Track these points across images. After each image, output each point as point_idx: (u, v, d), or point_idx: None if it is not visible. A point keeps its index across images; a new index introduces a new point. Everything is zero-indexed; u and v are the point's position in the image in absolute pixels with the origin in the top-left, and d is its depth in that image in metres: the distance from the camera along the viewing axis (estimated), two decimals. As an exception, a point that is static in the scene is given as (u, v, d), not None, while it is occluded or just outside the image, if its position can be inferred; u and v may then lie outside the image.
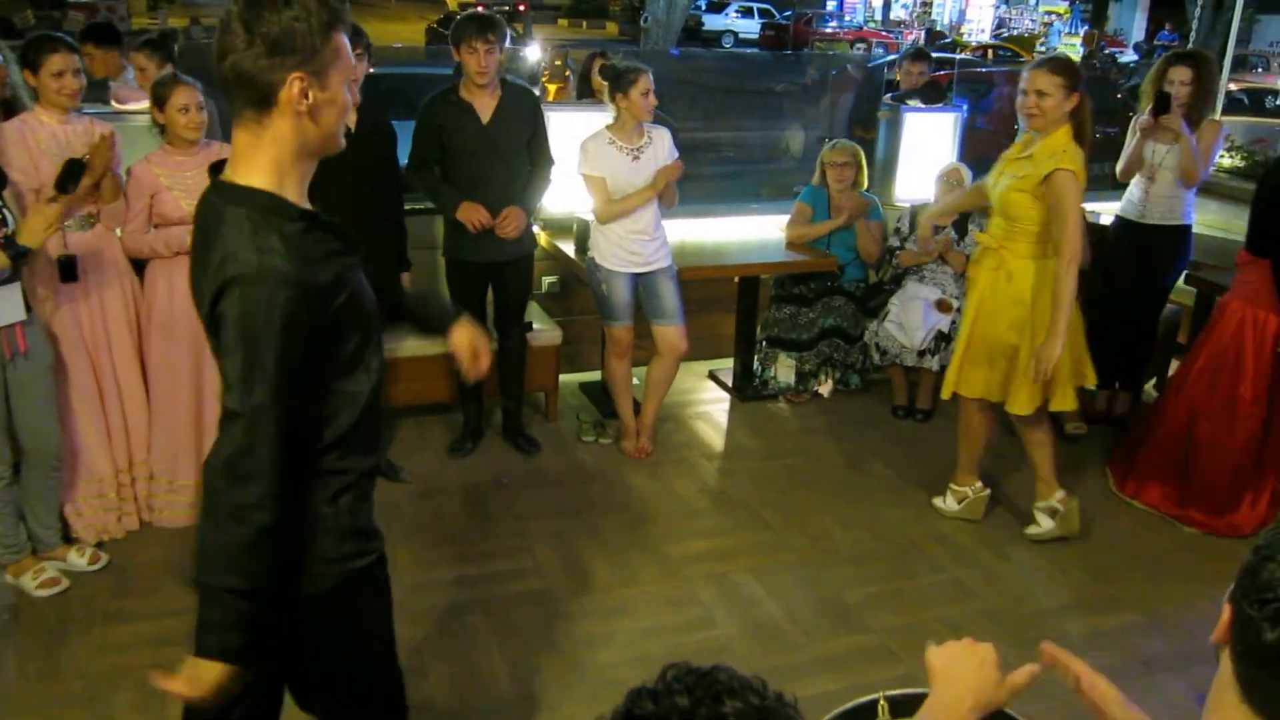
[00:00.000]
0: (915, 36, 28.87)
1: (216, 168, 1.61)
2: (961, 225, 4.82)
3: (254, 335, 1.49)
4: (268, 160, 1.56)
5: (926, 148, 5.32)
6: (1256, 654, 0.94)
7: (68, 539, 3.43)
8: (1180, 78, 4.31)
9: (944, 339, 4.60)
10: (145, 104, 3.47)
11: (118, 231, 3.45)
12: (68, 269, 3.26)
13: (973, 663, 1.30)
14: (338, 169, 3.48)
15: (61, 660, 2.95)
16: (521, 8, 31.85)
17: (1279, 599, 0.92)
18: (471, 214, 3.87)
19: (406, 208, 4.05)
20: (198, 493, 3.60)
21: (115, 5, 23.99)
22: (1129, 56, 23.12)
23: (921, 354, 4.64)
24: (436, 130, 3.88)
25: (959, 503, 3.94)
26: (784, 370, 4.98)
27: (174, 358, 3.52)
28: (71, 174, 3.00)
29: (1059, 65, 3.49)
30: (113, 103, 4.47)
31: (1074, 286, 3.39)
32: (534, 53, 6.11)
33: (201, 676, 1.57)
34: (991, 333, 3.60)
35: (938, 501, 3.99)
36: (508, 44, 3.89)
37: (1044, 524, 3.78)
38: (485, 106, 3.88)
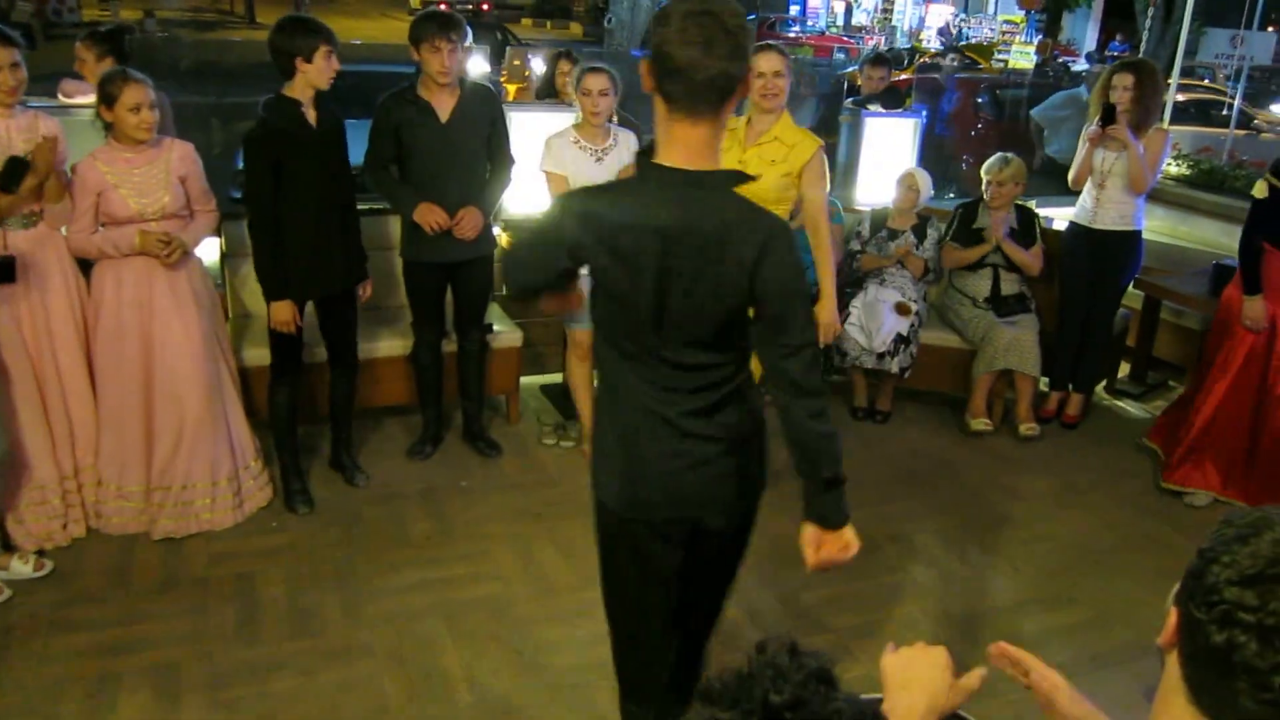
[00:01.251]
0: (876, 42, 29.14)
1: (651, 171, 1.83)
2: (921, 229, 4.88)
3: (799, 277, 1.86)
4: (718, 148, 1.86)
5: (886, 152, 5.37)
6: (1205, 656, 0.95)
7: (9, 547, 3.34)
8: (1123, 84, 4.40)
9: (904, 341, 4.65)
10: (93, 98, 3.38)
11: (63, 230, 3.37)
12: (6, 270, 3.17)
13: (926, 667, 1.31)
14: (305, 168, 3.48)
15: (3, 672, 2.88)
16: (485, 7, 31.76)
17: (1225, 601, 0.93)
18: (429, 215, 3.83)
19: (360, 208, 3.97)
20: (145, 499, 3.54)
21: (65, -2, 23.58)
22: (1081, 65, 23.50)
23: (882, 356, 4.67)
24: (394, 129, 3.84)
25: None
26: (744, 372, 4.98)
27: (123, 361, 3.44)
28: (13, 173, 2.94)
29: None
30: (60, 96, 4.37)
31: None
32: (538, 63, 5.91)
33: (849, 540, 2.20)
34: None
35: None
36: (468, 44, 3.85)
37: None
38: (444, 106, 3.85)
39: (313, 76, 3.41)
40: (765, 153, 3.50)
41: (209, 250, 4.08)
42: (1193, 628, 0.96)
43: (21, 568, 3.29)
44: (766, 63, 3.47)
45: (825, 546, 2.14)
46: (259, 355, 4.07)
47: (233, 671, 2.91)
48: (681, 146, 1.80)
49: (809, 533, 2.12)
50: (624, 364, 1.95)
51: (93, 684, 2.83)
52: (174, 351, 3.47)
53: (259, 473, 3.79)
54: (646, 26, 12.18)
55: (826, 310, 3.60)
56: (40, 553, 3.38)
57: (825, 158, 3.54)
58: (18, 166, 2.95)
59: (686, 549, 2.15)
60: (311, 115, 3.49)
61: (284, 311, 3.54)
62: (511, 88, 4.97)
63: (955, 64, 18.82)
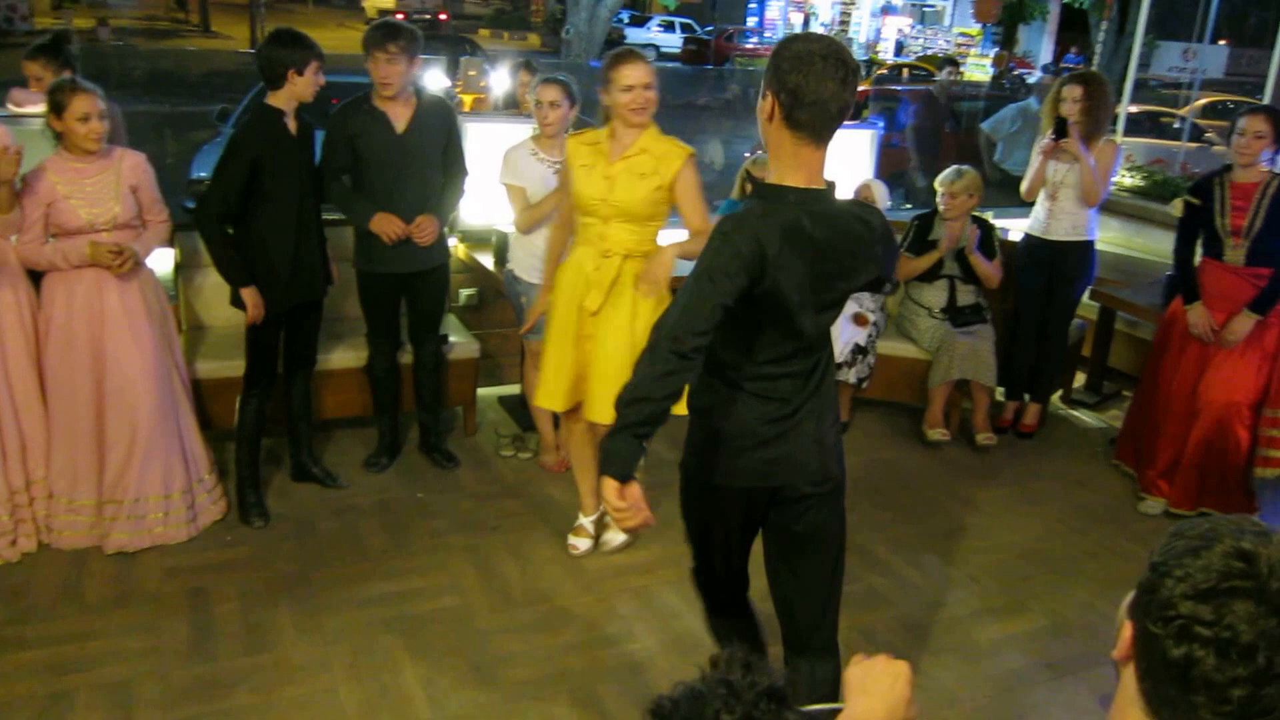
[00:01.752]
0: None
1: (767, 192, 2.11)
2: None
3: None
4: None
5: (843, 164, 5.41)
6: (1162, 670, 0.96)
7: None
8: (1072, 96, 4.48)
9: (861, 352, 4.68)
10: (43, 107, 3.33)
11: (12, 239, 3.31)
12: None
13: (887, 679, 1.33)
14: (284, 175, 3.50)
15: (-51, 690, 2.81)
16: (443, 17, 31.66)
17: (1181, 615, 0.94)
18: (386, 225, 3.81)
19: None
20: (97, 512, 3.48)
21: (16, 4, 23.20)
22: (1037, 76, 23.89)
23: (839, 367, 4.71)
24: (348, 139, 3.82)
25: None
26: (704, 383, 4.99)
27: (74, 372, 3.38)
28: None
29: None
30: (9, 105, 4.29)
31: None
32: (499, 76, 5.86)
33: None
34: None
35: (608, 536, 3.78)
36: (419, 55, 3.84)
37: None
38: (399, 116, 3.83)
39: (300, 89, 3.51)
40: (634, 166, 3.27)
41: (162, 261, 4.03)
42: (1149, 642, 0.97)
43: None
44: (636, 75, 3.25)
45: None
46: (213, 367, 4.03)
47: (187, 689, 2.86)
48: (806, 169, 2.08)
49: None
50: (773, 366, 2.17)
51: (44, 703, 2.77)
52: (126, 363, 3.42)
53: (213, 486, 3.74)
54: (604, 37, 12.22)
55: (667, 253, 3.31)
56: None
57: (695, 167, 3.34)
58: None
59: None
60: (292, 125, 3.58)
61: (254, 295, 3.56)
62: (468, 98, 4.95)
63: (908, 76, 19.09)
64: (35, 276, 3.41)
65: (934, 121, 10.10)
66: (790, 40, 2.06)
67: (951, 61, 12.71)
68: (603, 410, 3.26)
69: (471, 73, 4.87)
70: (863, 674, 1.34)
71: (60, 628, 3.10)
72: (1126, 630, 1.03)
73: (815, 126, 2.02)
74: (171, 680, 2.90)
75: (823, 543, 2.34)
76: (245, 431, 3.75)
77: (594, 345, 3.41)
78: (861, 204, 2.34)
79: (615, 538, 3.75)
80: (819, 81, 1.97)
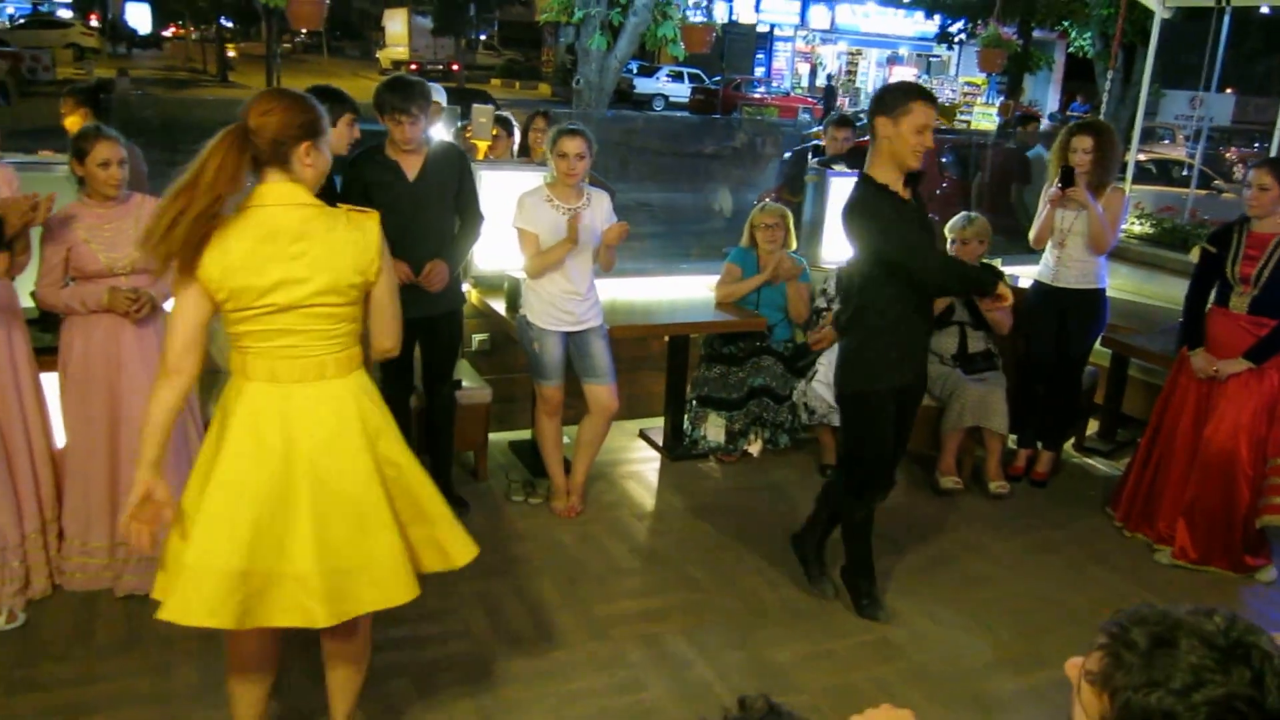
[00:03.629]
0: (841, 103, 29.73)
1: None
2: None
3: None
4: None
5: (852, 211, 5.44)
6: None
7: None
8: (1082, 146, 4.51)
9: (871, 398, 4.68)
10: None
11: (12, 281, 3.34)
12: None
13: None
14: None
15: (-42, 735, 2.81)
16: (455, 68, 32.15)
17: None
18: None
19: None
20: (110, 555, 3.48)
21: (40, 55, 23.67)
22: (1044, 126, 24.08)
23: (849, 413, 4.70)
24: (363, 188, 3.87)
25: None
26: (714, 429, 5.00)
27: (89, 416, 3.40)
28: None
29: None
30: None
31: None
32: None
33: None
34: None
35: None
36: (435, 104, 3.92)
37: None
38: (411, 164, 3.89)
39: (333, 141, 3.50)
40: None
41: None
42: None
43: None
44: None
45: None
46: (226, 411, 4.04)
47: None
48: (898, 171, 3.36)
49: None
50: (905, 303, 3.39)
51: (48, 749, 2.75)
52: (140, 408, 3.42)
53: (224, 530, 3.73)
54: (613, 87, 12.37)
55: None
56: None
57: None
58: None
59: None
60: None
61: None
62: (482, 145, 5.00)
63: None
64: (53, 320, 3.44)
65: (1003, 177, 10.19)
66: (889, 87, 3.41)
67: (1032, 118, 12.86)
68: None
69: (482, 120, 4.92)
70: None
71: (71, 670, 3.09)
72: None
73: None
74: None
75: None
76: None
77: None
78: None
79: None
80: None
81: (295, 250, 2.25)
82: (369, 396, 2.45)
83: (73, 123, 4.55)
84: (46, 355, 3.45)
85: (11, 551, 3.34)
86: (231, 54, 31.71)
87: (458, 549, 2.61)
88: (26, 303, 3.47)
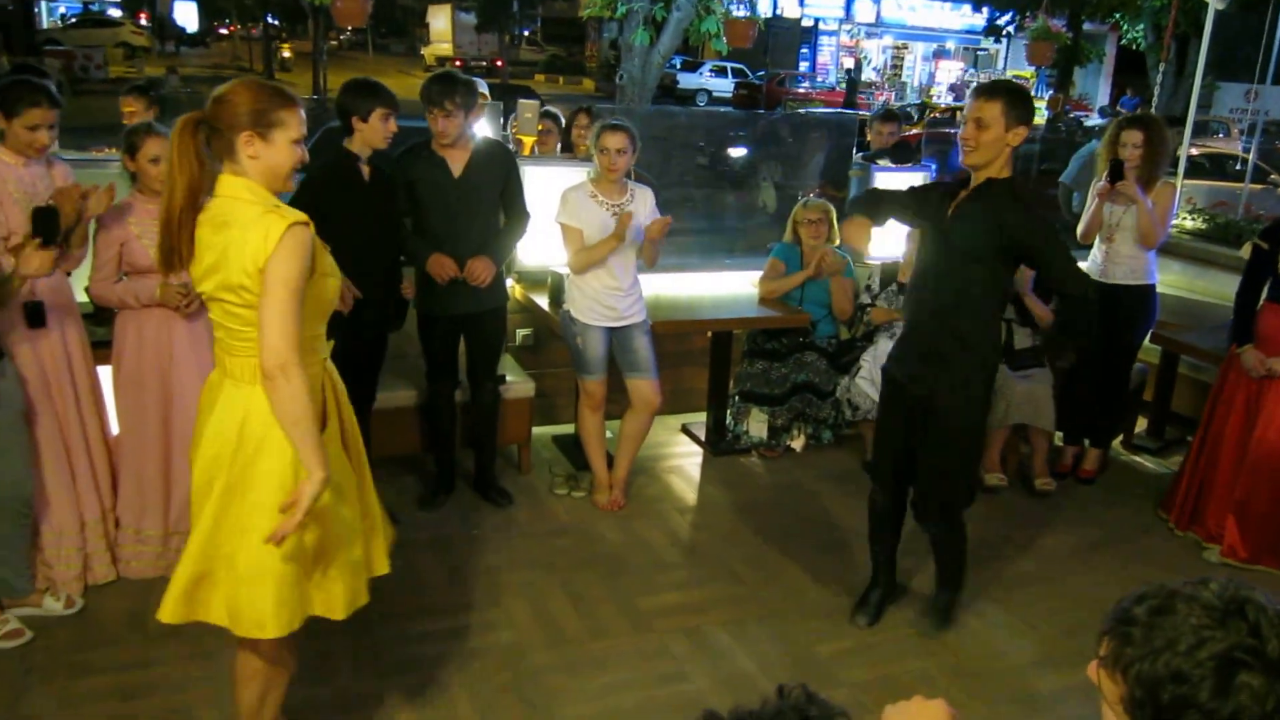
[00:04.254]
0: (886, 98, 29.46)
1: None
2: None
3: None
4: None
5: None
6: None
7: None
8: (1132, 141, 4.45)
9: (914, 394, 4.65)
10: None
11: (68, 276, 3.42)
12: (36, 314, 3.22)
13: (924, 717, 1.33)
14: (351, 220, 3.64)
15: (23, 712, 2.89)
16: (499, 64, 32.32)
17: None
18: (439, 267, 3.90)
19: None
20: (163, 544, 3.56)
21: (92, 54, 24.15)
22: (1094, 120, 23.70)
23: (892, 409, 4.68)
24: (409, 184, 3.92)
25: None
26: (756, 425, 5.00)
27: (143, 407, 3.49)
28: (47, 224, 2.98)
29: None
30: None
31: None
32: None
33: None
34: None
35: None
36: (479, 101, 3.95)
37: None
38: (457, 160, 3.93)
39: (368, 135, 3.65)
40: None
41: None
42: None
43: (54, 605, 3.34)
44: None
45: None
46: (276, 403, 4.12)
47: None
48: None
49: None
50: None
51: (106, 730, 2.83)
52: (192, 399, 3.48)
53: (274, 520, 3.81)
54: (657, 82, 12.38)
55: None
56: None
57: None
58: (49, 216, 2.99)
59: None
60: (365, 170, 3.69)
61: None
62: (529, 140, 5.03)
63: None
64: (105, 315, 3.53)
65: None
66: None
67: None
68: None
69: (528, 115, 4.96)
70: (898, 713, 1.36)
71: (126, 654, 3.17)
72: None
73: None
74: (230, 708, 2.94)
75: None
76: None
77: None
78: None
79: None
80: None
81: (217, 241, 2.23)
82: (259, 418, 2.27)
83: (137, 119, 4.68)
84: (101, 349, 3.54)
85: (69, 539, 3.43)
86: (286, 54, 32.03)
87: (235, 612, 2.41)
88: (81, 297, 3.56)
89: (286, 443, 2.23)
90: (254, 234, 2.17)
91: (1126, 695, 1.15)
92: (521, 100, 5.31)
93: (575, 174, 4.40)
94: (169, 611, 2.41)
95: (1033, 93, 24.51)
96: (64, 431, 3.39)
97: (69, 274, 3.40)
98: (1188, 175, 6.63)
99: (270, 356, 2.17)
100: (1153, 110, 6.99)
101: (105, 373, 3.55)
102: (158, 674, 3.08)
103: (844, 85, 29.77)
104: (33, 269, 2.97)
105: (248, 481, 2.29)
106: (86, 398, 3.45)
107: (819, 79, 33.49)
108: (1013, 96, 3.04)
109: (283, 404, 2.19)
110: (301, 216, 2.22)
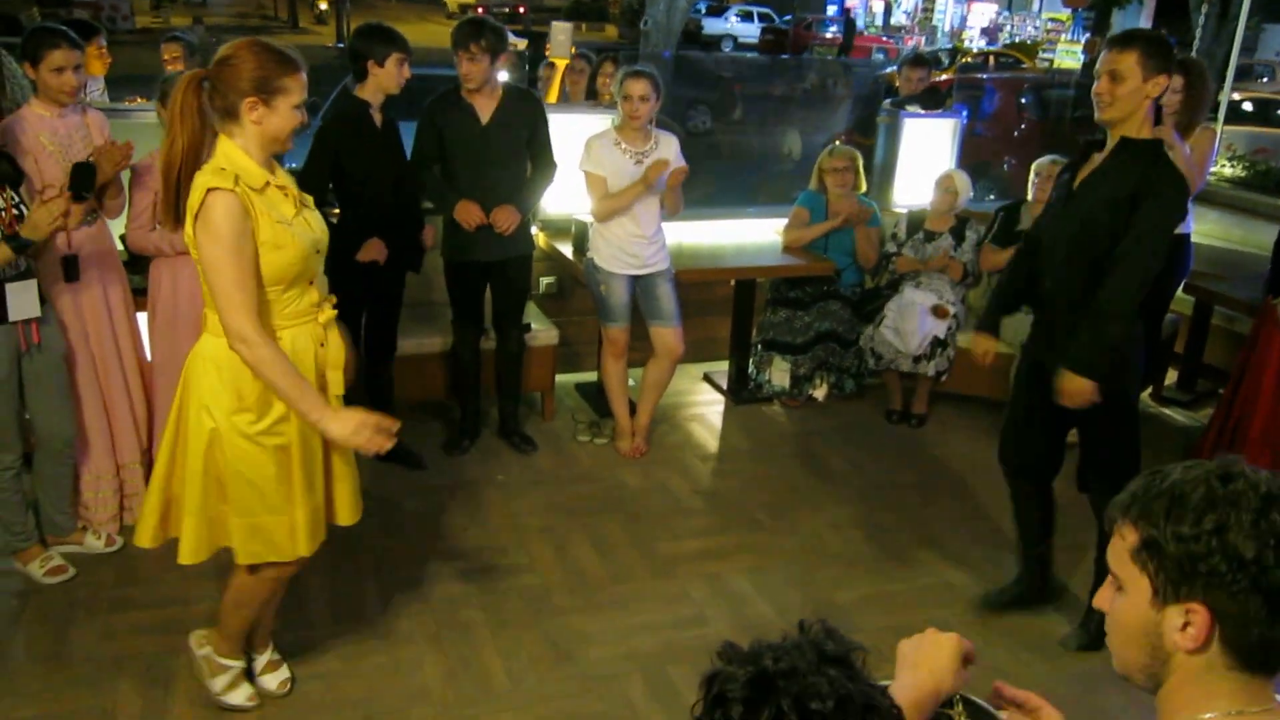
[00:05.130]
0: (915, 42, 28.91)
1: None
2: (959, 231, 4.87)
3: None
4: None
5: (925, 153, 5.36)
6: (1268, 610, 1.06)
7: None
8: (1172, 85, 4.35)
9: (940, 345, 4.65)
10: None
11: (110, 224, 3.48)
12: (70, 268, 3.29)
13: (934, 650, 1.36)
14: (363, 166, 3.66)
15: (68, 645, 3.00)
16: (521, 10, 31.95)
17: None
18: (465, 213, 3.92)
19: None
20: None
21: (119, 4, 24.09)
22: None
23: (917, 359, 4.68)
24: (437, 130, 3.93)
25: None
26: (779, 373, 5.01)
27: (177, 353, 3.53)
28: (84, 179, 3.03)
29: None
30: None
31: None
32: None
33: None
34: None
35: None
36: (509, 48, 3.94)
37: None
38: (485, 108, 3.93)
39: (383, 80, 3.66)
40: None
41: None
42: (1243, 601, 1.07)
43: (95, 543, 3.45)
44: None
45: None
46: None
47: (283, 650, 2.98)
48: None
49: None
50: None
51: (151, 659, 2.95)
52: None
53: (303, 465, 3.88)
54: (681, 28, 12.21)
55: None
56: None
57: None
58: (87, 172, 3.05)
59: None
60: (377, 117, 3.71)
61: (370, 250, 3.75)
62: (560, 63, 5.02)
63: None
64: (142, 262, 3.59)
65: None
66: None
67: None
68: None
69: (561, 37, 4.95)
70: (913, 647, 1.39)
71: (165, 591, 3.27)
72: (1201, 615, 1.08)
73: None
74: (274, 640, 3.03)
75: None
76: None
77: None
78: None
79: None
80: None
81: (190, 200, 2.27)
82: (214, 363, 2.36)
83: (180, 67, 4.79)
84: (138, 296, 3.60)
85: (106, 481, 3.53)
86: (323, 5, 31.77)
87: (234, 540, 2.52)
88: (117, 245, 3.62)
89: (200, 383, 2.37)
90: (191, 198, 2.23)
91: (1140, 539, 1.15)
92: (555, 23, 5.30)
93: (600, 122, 4.39)
94: (146, 537, 2.55)
95: (1068, 36, 23.97)
96: (102, 377, 3.47)
97: (111, 219, 3.46)
98: (1229, 121, 6.48)
99: (228, 336, 2.27)
100: (1193, 54, 6.83)
101: (142, 320, 3.62)
102: (196, 611, 3.17)
103: (840, 31, 28.62)
104: (38, 226, 2.91)
105: (184, 416, 2.43)
106: (126, 344, 3.53)
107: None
108: (1150, 45, 2.81)
109: (255, 371, 2.30)
110: (225, 183, 2.20)
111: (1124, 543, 1.17)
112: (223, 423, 2.36)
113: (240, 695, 2.76)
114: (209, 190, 2.19)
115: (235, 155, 2.29)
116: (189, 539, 2.48)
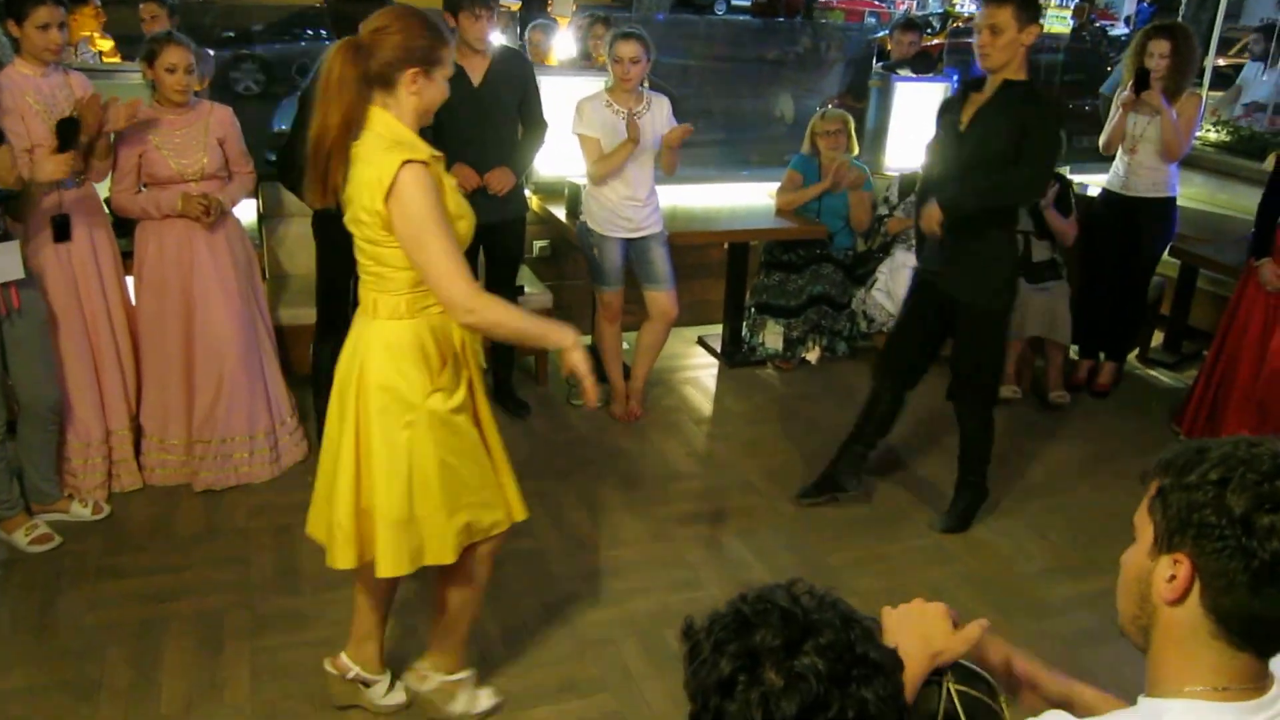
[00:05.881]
0: (907, 6, 28.64)
1: None
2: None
3: None
4: None
5: (916, 117, 5.32)
6: (1254, 579, 1.04)
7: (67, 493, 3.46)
8: (1159, 50, 4.35)
9: (931, 308, 4.64)
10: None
11: (97, 187, 3.44)
12: (62, 228, 3.25)
13: (921, 619, 1.36)
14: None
15: (54, 615, 2.98)
16: (511, -30, 31.49)
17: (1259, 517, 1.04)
18: (461, 177, 3.87)
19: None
20: (187, 452, 3.63)
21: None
22: (1120, 30, 23.02)
23: (908, 322, 4.68)
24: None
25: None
26: (772, 336, 5.01)
27: (165, 317, 3.52)
28: (69, 134, 3.01)
29: None
30: None
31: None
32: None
33: None
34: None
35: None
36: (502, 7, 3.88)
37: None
38: (476, 70, 3.88)
39: None
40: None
41: (246, 211, 4.14)
42: (1225, 560, 1.05)
43: (81, 510, 3.42)
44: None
45: None
46: (294, 314, 4.14)
47: (272, 619, 2.99)
48: None
49: None
50: None
51: (139, 628, 2.93)
52: (213, 309, 3.54)
53: (295, 428, 3.87)
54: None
55: None
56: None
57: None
58: (71, 126, 3.02)
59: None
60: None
61: None
62: (563, 21, 4.96)
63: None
64: (127, 225, 3.54)
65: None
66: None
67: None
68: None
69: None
70: (899, 616, 1.38)
71: (154, 559, 3.26)
72: (1184, 567, 1.10)
73: None
74: (258, 611, 3.04)
75: None
76: (321, 377, 3.85)
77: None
78: None
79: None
80: None
81: (353, 174, 2.15)
82: (389, 351, 2.23)
83: (159, 26, 4.69)
84: (124, 260, 3.56)
85: (95, 447, 3.51)
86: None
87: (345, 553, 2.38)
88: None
89: (383, 374, 2.22)
90: (371, 172, 2.09)
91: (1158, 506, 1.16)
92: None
93: (592, 84, 4.34)
94: (348, 559, 2.37)
95: (1057, 1, 23.80)
96: (93, 341, 3.43)
97: (97, 182, 3.41)
98: (1213, 87, 6.47)
99: (452, 309, 2.15)
100: (1179, 19, 6.79)
101: (127, 283, 3.58)
102: (187, 578, 3.17)
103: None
104: (47, 173, 3.01)
105: (365, 418, 2.26)
106: (117, 309, 3.49)
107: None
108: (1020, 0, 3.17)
109: (491, 333, 2.29)
110: (419, 154, 2.12)
111: (1147, 495, 1.17)
112: (421, 411, 2.23)
113: (485, 698, 2.69)
114: (404, 163, 2.07)
115: (396, 127, 2.18)
116: (388, 551, 2.33)
